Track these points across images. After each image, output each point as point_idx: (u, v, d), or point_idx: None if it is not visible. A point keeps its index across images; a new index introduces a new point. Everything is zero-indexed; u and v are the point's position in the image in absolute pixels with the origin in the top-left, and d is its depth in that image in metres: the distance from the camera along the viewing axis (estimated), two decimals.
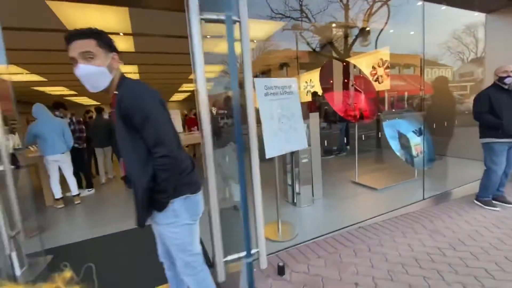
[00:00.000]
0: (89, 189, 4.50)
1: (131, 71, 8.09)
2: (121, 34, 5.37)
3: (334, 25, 8.04)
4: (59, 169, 3.78)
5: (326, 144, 6.54)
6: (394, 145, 3.96)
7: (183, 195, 1.19)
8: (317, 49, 8.99)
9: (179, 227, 1.20)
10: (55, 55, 5.40)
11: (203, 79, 1.12)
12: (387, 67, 5.89)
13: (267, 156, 2.08)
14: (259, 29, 5.84)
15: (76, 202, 3.93)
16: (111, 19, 4.37)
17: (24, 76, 7.86)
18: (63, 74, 7.60)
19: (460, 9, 4.19)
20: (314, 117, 3.13)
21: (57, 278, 0.52)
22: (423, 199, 3.08)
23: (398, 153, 3.88)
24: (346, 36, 7.71)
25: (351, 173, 4.10)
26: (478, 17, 4.48)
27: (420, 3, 3.46)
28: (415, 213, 2.88)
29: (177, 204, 1.17)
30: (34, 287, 0.52)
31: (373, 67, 5.99)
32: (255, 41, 6.64)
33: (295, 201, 3.16)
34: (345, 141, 6.55)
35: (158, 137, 1.05)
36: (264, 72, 16.82)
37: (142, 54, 6.30)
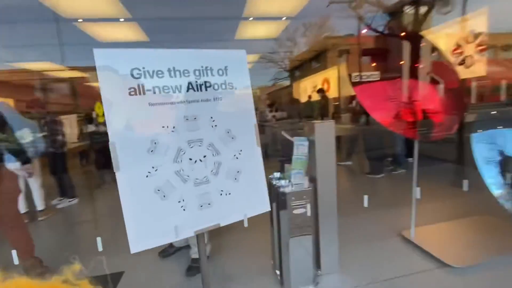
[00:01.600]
0: (71, 199, 3.90)
1: None
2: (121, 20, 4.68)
3: None
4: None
5: (373, 154, 4.69)
6: (490, 176, 2.19)
7: None
8: (380, 29, 6.97)
9: None
10: None
11: None
12: (480, 44, 4.02)
13: (132, 250, 0.81)
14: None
15: (39, 219, 3.32)
16: None
17: None
18: None
19: None
20: (325, 128, 1.68)
21: (66, 271, 0.49)
22: None
23: (496, 193, 2.13)
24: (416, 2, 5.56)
25: (403, 216, 2.44)
26: None
27: None
28: None
29: None
30: (43, 279, 0.48)
31: (458, 44, 4.21)
32: (283, 18, 5.19)
33: (282, 278, 1.79)
34: (405, 150, 4.58)
35: None
36: (312, 60, 14.95)
37: None
